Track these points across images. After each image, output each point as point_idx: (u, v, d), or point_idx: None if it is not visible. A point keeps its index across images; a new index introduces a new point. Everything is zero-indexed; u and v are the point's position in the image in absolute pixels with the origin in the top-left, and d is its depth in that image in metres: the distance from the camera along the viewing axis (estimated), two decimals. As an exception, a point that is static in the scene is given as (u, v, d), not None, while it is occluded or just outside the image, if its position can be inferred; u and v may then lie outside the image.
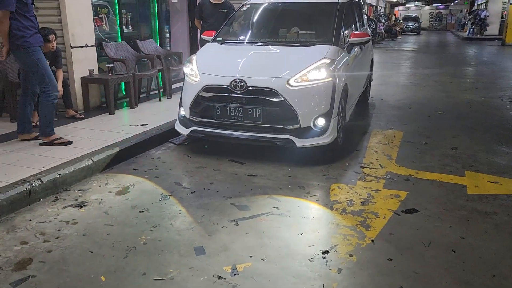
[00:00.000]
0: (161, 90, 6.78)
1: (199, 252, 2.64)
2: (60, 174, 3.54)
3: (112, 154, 4.13)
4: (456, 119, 6.13)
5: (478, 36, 26.34)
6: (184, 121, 4.55)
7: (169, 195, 3.47)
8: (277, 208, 3.25)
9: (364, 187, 3.66)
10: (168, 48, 8.67)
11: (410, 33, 34.88)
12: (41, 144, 4.31)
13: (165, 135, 4.94)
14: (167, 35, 8.81)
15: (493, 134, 5.33)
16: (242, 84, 4.11)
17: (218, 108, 4.24)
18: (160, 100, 6.59)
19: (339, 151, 4.50)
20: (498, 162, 4.32)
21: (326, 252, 2.64)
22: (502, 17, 26.69)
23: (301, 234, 2.86)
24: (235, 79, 4.13)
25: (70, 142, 4.36)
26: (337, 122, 4.33)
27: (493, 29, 26.46)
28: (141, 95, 6.70)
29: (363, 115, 6.30)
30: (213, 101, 4.26)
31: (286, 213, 3.17)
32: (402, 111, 6.62)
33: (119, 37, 6.81)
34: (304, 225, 3.00)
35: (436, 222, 3.05)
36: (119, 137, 4.59)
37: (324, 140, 4.17)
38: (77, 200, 3.38)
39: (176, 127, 4.66)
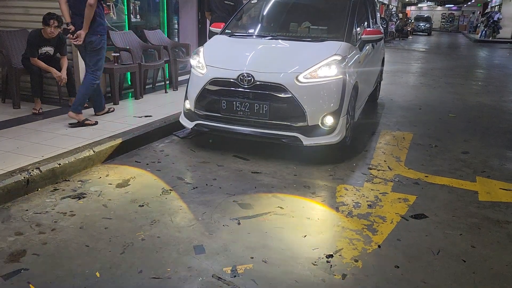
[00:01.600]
0: (167, 82, 6.67)
1: (199, 251, 2.54)
2: (59, 164, 3.45)
3: (114, 145, 4.04)
4: (467, 123, 5.99)
5: (490, 38, 26.00)
6: (189, 114, 4.45)
7: (170, 190, 3.38)
8: (281, 207, 3.14)
9: (372, 190, 3.54)
10: (176, 39, 8.55)
11: (421, 33, 34.52)
12: (71, 126, 4.48)
13: (169, 127, 4.84)
14: (176, 26, 8.69)
15: (505, 140, 5.19)
16: (249, 78, 3.99)
17: (224, 102, 4.13)
18: (166, 92, 6.49)
19: (346, 150, 4.39)
20: (510, 169, 4.18)
21: (331, 256, 2.54)
22: (515, 20, 26.33)
23: (305, 236, 2.75)
24: (242, 73, 4.02)
25: (96, 123, 4.63)
26: (346, 121, 4.21)
27: (506, 32, 26.12)
28: (146, 86, 6.60)
29: (372, 115, 6.17)
30: (219, 95, 4.15)
31: (290, 213, 3.06)
32: (412, 112, 6.48)
33: (127, 26, 6.70)
34: (309, 226, 2.89)
35: (445, 229, 2.94)
36: (122, 128, 4.50)
37: (332, 139, 4.06)
38: (76, 191, 3.29)
39: (180, 120, 4.56)
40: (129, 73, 6.30)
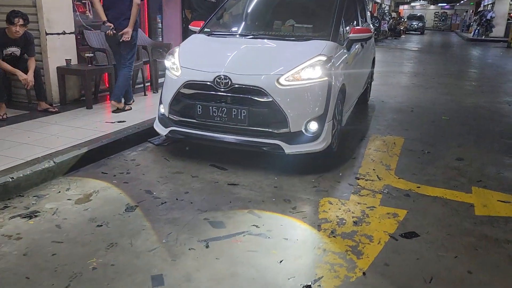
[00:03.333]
0: (147, 84, 6.33)
1: (157, 282, 2.21)
2: (12, 178, 3.11)
3: (79, 155, 3.69)
4: (461, 126, 5.70)
5: (483, 37, 25.84)
6: (163, 120, 4.12)
7: (136, 206, 3.05)
8: (256, 226, 2.82)
9: (358, 203, 3.23)
10: (160, 39, 8.23)
11: (414, 32, 34.34)
12: (113, 112, 5.03)
13: (144, 134, 4.51)
14: (159, 25, 8.36)
15: (501, 145, 4.90)
16: (226, 81, 3.67)
17: (199, 107, 3.80)
18: (145, 95, 6.15)
19: (333, 158, 4.07)
20: (508, 178, 3.89)
21: (308, 287, 2.22)
22: (508, 19, 26.23)
23: (281, 262, 2.44)
24: (219, 76, 3.70)
25: (130, 109, 5.21)
26: (332, 126, 3.90)
27: (499, 31, 25.96)
28: (125, 88, 6.24)
29: (362, 118, 5.87)
30: (195, 99, 3.83)
31: (266, 233, 2.74)
32: (403, 115, 6.19)
33: (103, 25, 6.34)
34: (286, 249, 2.57)
35: (439, 250, 2.63)
36: (91, 134, 4.16)
37: (317, 146, 3.74)
38: (28, 209, 2.95)
39: (154, 126, 4.22)
40: (107, 74, 5.94)
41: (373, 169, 3.95)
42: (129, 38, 4.89)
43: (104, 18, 4.85)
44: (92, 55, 5.43)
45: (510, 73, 11.49)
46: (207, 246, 2.55)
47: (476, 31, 26.91)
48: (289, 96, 3.66)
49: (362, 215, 3.04)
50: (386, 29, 24.89)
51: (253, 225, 2.83)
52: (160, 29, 8.36)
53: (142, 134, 4.50)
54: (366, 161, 4.16)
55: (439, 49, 19.95)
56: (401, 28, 28.47)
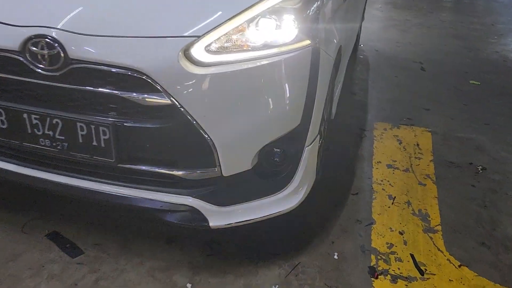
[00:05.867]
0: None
1: None
2: None
3: None
4: (502, 97, 3.68)
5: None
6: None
7: None
8: None
9: None
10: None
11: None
12: None
13: None
14: None
15: None
16: (54, 51, 1.40)
17: (2, 114, 1.55)
18: None
19: (315, 199, 1.98)
20: None
21: None
22: None
23: None
24: (37, 37, 1.41)
25: None
26: (318, 144, 1.77)
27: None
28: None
29: (352, 85, 3.72)
30: (-12, 92, 1.56)
31: None
32: (412, 76, 4.08)
33: None
34: None
35: None
36: None
37: (286, 205, 1.63)
38: None
39: None
40: None
41: (399, 233, 1.90)
42: None
43: None
44: None
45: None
46: None
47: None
48: (217, 92, 1.45)
49: None
50: None
51: None
52: None
53: None
54: (379, 204, 2.10)
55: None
56: None
